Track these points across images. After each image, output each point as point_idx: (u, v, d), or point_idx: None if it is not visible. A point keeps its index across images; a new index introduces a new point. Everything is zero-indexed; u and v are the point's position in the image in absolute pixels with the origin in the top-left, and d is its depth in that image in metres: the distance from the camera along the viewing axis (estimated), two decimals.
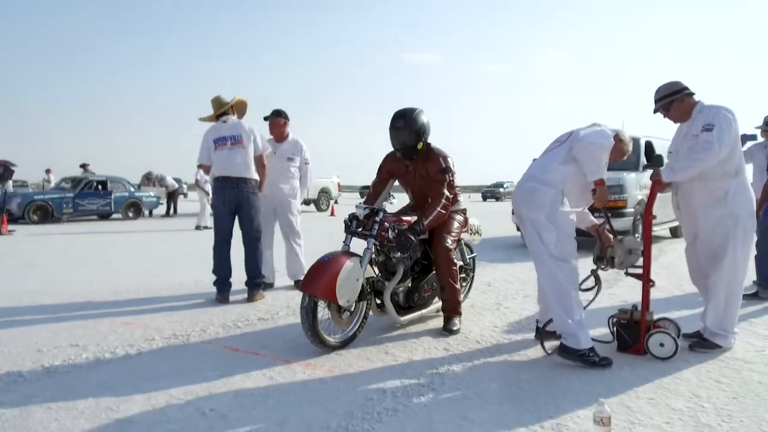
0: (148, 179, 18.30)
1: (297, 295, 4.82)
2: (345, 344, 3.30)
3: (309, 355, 3.15)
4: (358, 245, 3.43)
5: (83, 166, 19.13)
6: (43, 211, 13.66)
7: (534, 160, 3.33)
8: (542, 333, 3.25)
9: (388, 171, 3.97)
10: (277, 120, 5.28)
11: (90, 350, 3.27)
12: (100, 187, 14.87)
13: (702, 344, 3.25)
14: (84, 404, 2.46)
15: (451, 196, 3.69)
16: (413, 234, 3.38)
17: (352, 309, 3.36)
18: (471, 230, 4.31)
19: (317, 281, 3.10)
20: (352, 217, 3.55)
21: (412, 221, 3.55)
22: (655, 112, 3.37)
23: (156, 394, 2.58)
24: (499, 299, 4.76)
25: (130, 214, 15.31)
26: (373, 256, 3.50)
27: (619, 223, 7.79)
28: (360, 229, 3.51)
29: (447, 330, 3.65)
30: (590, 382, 2.75)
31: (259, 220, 4.85)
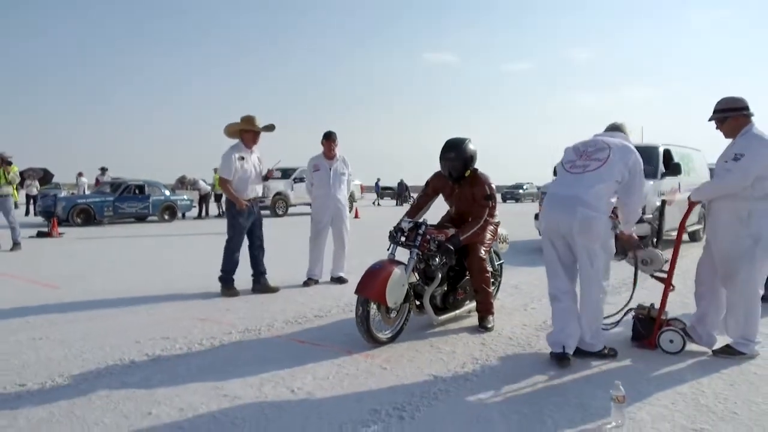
0: (182, 183, 19.07)
1: (342, 294, 5.41)
2: (392, 339, 3.81)
3: (366, 347, 3.69)
4: (401, 253, 3.96)
5: (102, 169, 20.01)
6: (86, 214, 14.47)
7: (567, 171, 3.45)
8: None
9: (434, 188, 4.47)
10: (331, 141, 5.97)
11: (180, 342, 3.86)
12: (137, 191, 15.65)
13: (727, 351, 3.49)
14: (194, 384, 3.04)
15: (490, 219, 4.20)
16: (452, 245, 3.91)
17: (398, 310, 3.84)
18: (499, 239, 4.77)
19: (370, 286, 3.59)
20: (398, 229, 4.03)
21: (450, 234, 4.03)
22: (710, 120, 3.59)
23: (249, 377, 3.15)
24: (526, 301, 5.26)
25: (166, 217, 16.07)
26: (416, 264, 3.94)
27: (638, 229, 8.19)
28: (404, 240, 3.98)
29: (482, 327, 4.16)
30: (607, 370, 3.26)
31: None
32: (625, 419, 2.54)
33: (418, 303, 4.00)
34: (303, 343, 3.85)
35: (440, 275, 4.02)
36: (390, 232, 4.06)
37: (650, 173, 8.82)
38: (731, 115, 3.48)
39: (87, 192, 19.85)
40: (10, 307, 4.93)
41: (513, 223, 15.02)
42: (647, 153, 9.36)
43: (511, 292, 5.63)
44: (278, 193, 18.49)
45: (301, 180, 19.98)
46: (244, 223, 5.51)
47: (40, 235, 11.45)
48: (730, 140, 3.55)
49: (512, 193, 39.20)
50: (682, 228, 3.74)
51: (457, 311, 4.28)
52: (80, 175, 21.27)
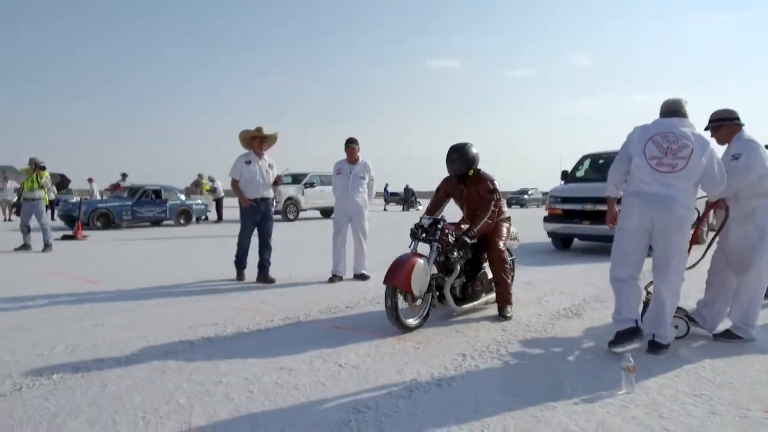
0: (197, 185, 19.49)
1: (367, 289, 5.80)
2: (419, 326, 4.17)
3: (397, 333, 4.07)
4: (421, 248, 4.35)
5: (123, 175, 20.48)
6: (105, 217, 14.92)
7: (655, 168, 3.48)
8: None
9: (445, 191, 4.93)
10: (353, 146, 6.41)
11: (230, 327, 4.26)
12: (154, 196, 16.10)
13: (727, 335, 3.90)
14: (251, 360, 3.45)
15: (497, 210, 4.60)
16: (468, 237, 4.35)
17: (422, 298, 4.20)
18: (511, 236, 5.14)
19: (397, 276, 3.96)
20: (418, 226, 4.41)
21: (466, 228, 4.46)
22: (705, 129, 3.98)
23: (298, 355, 3.55)
24: (539, 295, 5.64)
25: (182, 221, 16.50)
26: (437, 257, 4.30)
27: None
28: (424, 236, 4.35)
29: (502, 316, 4.55)
30: (620, 348, 3.64)
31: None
32: (634, 387, 2.93)
33: (439, 294, 4.37)
34: (340, 329, 4.25)
35: (459, 267, 4.40)
36: (411, 229, 4.44)
37: None
38: (725, 124, 3.94)
39: (98, 196, 20.33)
40: (63, 299, 5.35)
41: (521, 226, 15.45)
42: None
43: (524, 288, 6.01)
44: (289, 198, 18.93)
45: (312, 185, 20.47)
46: (250, 219, 6.38)
47: (64, 238, 11.89)
48: (724, 147, 3.98)
49: (517, 199, 39.53)
50: (700, 224, 4.01)
51: (476, 302, 4.65)
52: (90, 180, 21.78)
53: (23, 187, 9.97)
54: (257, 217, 6.38)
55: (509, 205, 39.60)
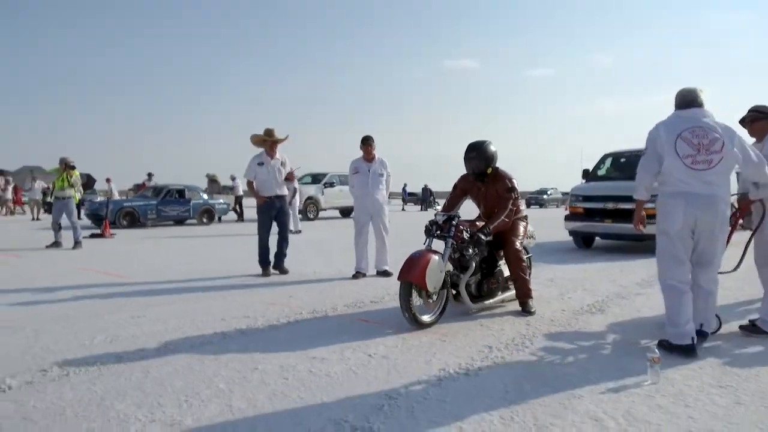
0: (214, 181, 19.76)
1: (390, 285, 5.89)
2: (434, 323, 4.14)
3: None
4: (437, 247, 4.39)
5: (149, 174, 20.88)
6: (131, 216, 15.25)
7: (690, 167, 3.42)
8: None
9: (462, 189, 4.91)
10: (369, 144, 6.51)
11: (260, 320, 4.40)
12: (178, 195, 16.40)
13: (752, 329, 3.90)
14: (284, 350, 3.57)
15: (514, 209, 4.62)
16: (483, 234, 4.33)
17: (437, 295, 4.21)
18: (527, 235, 5.06)
19: (412, 271, 3.97)
20: (432, 222, 4.42)
21: (481, 225, 4.46)
22: (741, 120, 4.01)
23: (329, 345, 3.66)
24: (562, 291, 5.69)
25: (204, 220, 16.78)
26: (451, 254, 4.32)
27: None
28: (439, 232, 4.37)
29: (525, 311, 4.60)
30: (644, 344, 3.69)
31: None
32: (659, 378, 2.98)
33: (454, 292, 4.40)
34: (367, 322, 4.35)
35: (474, 264, 4.37)
36: (426, 226, 4.46)
37: None
38: (762, 117, 3.97)
39: (116, 196, 20.75)
40: (98, 293, 5.55)
41: (541, 226, 15.46)
42: None
43: (547, 285, 6.05)
44: (309, 198, 19.11)
45: (331, 185, 20.65)
46: (266, 216, 6.78)
47: (93, 236, 12.19)
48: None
49: (536, 199, 39.32)
50: (736, 222, 3.99)
51: (491, 300, 4.62)
52: (108, 180, 22.27)
53: (54, 186, 10.27)
54: (273, 213, 6.81)
55: (528, 205, 39.46)
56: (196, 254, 9.14)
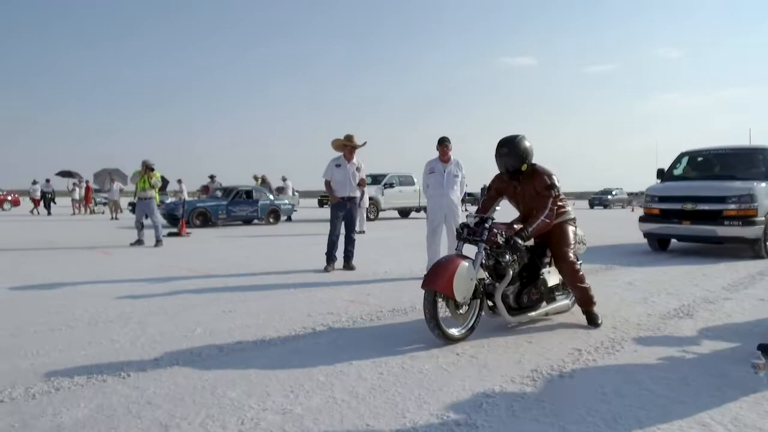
0: (264, 181, 20.30)
1: None
2: (464, 337, 3.75)
3: (480, 336, 3.92)
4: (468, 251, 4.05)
5: (211, 177, 21.71)
6: (203, 216, 15.96)
7: None
8: None
9: (496, 189, 4.46)
10: (446, 145, 6.57)
11: (344, 317, 4.54)
12: (246, 195, 17.03)
13: None
14: (372, 346, 3.68)
15: (555, 208, 4.07)
16: (521, 238, 3.86)
17: (468, 306, 3.79)
18: (577, 240, 4.47)
19: (438, 279, 3.57)
20: (464, 225, 4.01)
21: (519, 228, 3.97)
22: None
23: (416, 344, 3.74)
24: (645, 295, 5.53)
25: (271, 220, 17.34)
26: (483, 260, 3.89)
27: (748, 232, 8.15)
28: (471, 236, 3.92)
29: (591, 323, 4.20)
30: (744, 350, 3.55)
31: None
32: (765, 384, 2.87)
33: (491, 303, 3.94)
34: None
35: (511, 272, 3.89)
36: (456, 229, 4.11)
37: (763, 176, 8.69)
38: None
39: (186, 197, 21.70)
40: (186, 288, 5.88)
41: (609, 227, 14.98)
42: (755, 156, 9.23)
43: (627, 288, 5.90)
44: (369, 198, 19.36)
45: (391, 186, 20.82)
46: (337, 215, 7.23)
47: (170, 235, 12.86)
48: None
49: (600, 199, 38.06)
50: None
51: (533, 313, 4.12)
52: (179, 181, 23.34)
53: (137, 187, 10.91)
54: (343, 213, 7.24)
55: (591, 205, 38.24)
56: (269, 252, 9.48)
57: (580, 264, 4.32)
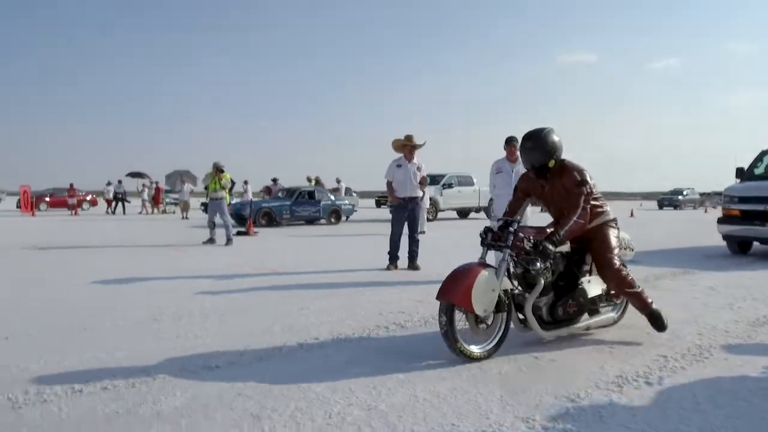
0: (317, 182, 20.63)
1: None
2: (488, 355, 3.38)
3: (558, 340, 3.80)
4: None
5: (274, 180, 22.28)
6: (269, 216, 16.46)
7: None
8: None
9: (523, 190, 4.09)
10: (514, 145, 6.49)
11: (415, 317, 4.57)
12: (308, 196, 17.42)
13: None
14: (444, 347, 3.68)
15: (589, 207, 3.65)
16: (551, 243, 3.45)
17: (490, 321, 3.43)
18: (622, 244, 4.07)
19: (453, 289, 3.26)
20: (487, 229, 3.64)
21: (550, 232, 3.57)
22: None
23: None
24: (729, 300, 5.24)
25: (333, 220, 17.67)
26: (512, 268, 3.58)
27: None
28: (495, 242, 3.55)
29: (658, 327, 3.85)
30: None
31: None
32: None
33: (521, 316, 3.58)
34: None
35: (542, 282, 3.53)
36: (480, 234, 3.73)
37: None
38: None
39: (250, 197, 22.39)
40: (260, 286, 6.10)
41: (687, 230, 14.31)
42: None
43: (708, 293, 5.62)
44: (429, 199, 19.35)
45: (450, 186, 20.71)
46: (398, 215, 7.35)
47: (239, 234, 13.33)
48: None
49: (670, 200, 36.38)
50: None
51: (572, 327, 3.73)
52: (246, 183, 24.12)
53: (209, 188, 11.39)
54: (405, 214, 7.32)
55: (660, 206, 36.56)
56: (333, 250, 9.67)
57: (628, 271, 3.89)
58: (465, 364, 3.31)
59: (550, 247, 3.44)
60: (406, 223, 7.45)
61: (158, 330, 4.19)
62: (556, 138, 3.75)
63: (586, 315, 3.81)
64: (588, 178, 3.68)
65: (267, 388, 2.95)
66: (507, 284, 3.46)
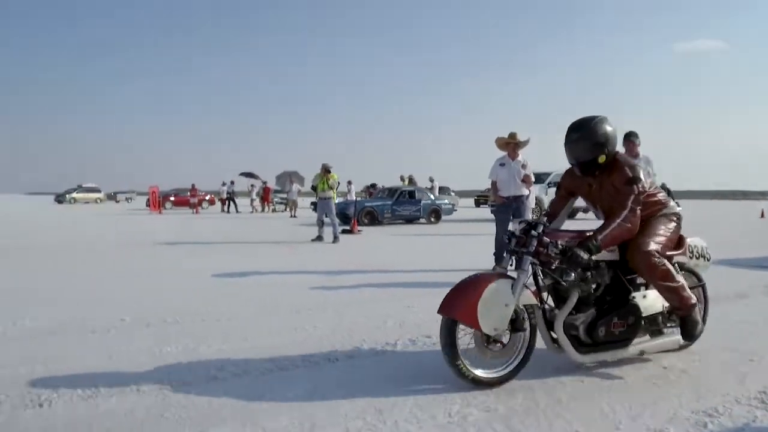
0: (411, 181, 20.55)
1: None
2: (500, 382, 2.92)
3: (690, 349, 3.52)
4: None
5: (373, 185, 22.64)
6: (371, 215, 16.85)
7: None
8: None
9: (567, 188, 3.56)
10: (633, 141, 6.14)
11: None
12: (408, 196, 17.61)
13: None
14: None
15: (639, 209, 3.06)
16: (585, 250, 2.90)
17: (505, 341, 2.95)
18: (691, 253, 3.54)
19: (457, 303, 2.83)
20: (510, 234, 3.14)
21: (587, 236, 3.00)
22: None
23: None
24: None
25: (432, 219, 17.72)
26: (541, 280, 3.10)
27: None
28: (518, 247, 3.03)
29: (687, 335, 3.27)
30: None
31: None
32: None
33: (554, 335, 3.04)
34: None
35: (577, 295, 3.02)
36: (502, 238, 3.48)
37: None
38: None
39: (353, 197, 22.95)
40: (368, 282, 6.27)
41: None
42: None
43: None
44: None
45: (555, 185, 19.94)
46: (503, 215, 7.11)
47: (344, 232, 13.78)
48: None
49: None
50: None
51: (619, 351, 3.12)
52: (349, 183, 24.83)
53: (318, 188, 11.89)
54: (510, 213, 7.04)
55: None
56: (436, 249, 9.71)
57: (702, 285, 3.55)
58: (584, 371, 3.19)
59: (583, 254, 2.88)
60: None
61: (278, 322, 4.45)
62: (609, 128, 3.17)
63: (639, 335, 3.21)
64: (640, 175, 3.10)
65: (384, 382, 3.03)
66: (528, 298, 2.96)
